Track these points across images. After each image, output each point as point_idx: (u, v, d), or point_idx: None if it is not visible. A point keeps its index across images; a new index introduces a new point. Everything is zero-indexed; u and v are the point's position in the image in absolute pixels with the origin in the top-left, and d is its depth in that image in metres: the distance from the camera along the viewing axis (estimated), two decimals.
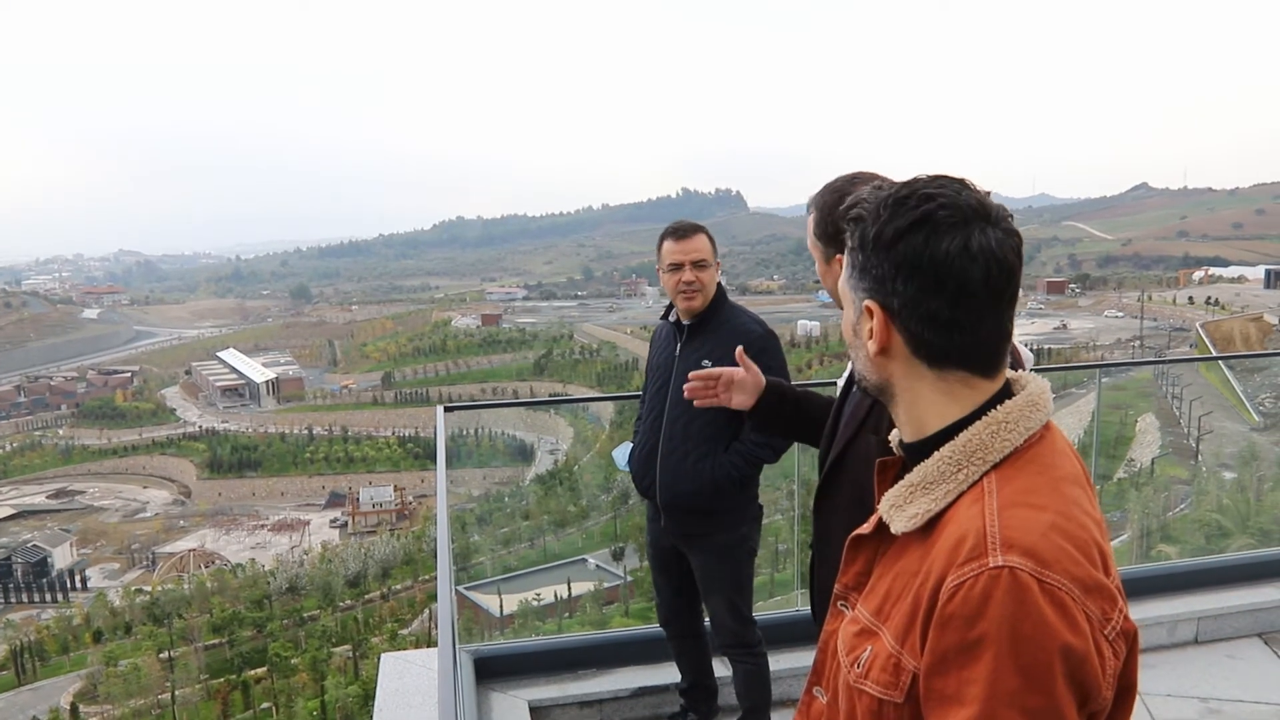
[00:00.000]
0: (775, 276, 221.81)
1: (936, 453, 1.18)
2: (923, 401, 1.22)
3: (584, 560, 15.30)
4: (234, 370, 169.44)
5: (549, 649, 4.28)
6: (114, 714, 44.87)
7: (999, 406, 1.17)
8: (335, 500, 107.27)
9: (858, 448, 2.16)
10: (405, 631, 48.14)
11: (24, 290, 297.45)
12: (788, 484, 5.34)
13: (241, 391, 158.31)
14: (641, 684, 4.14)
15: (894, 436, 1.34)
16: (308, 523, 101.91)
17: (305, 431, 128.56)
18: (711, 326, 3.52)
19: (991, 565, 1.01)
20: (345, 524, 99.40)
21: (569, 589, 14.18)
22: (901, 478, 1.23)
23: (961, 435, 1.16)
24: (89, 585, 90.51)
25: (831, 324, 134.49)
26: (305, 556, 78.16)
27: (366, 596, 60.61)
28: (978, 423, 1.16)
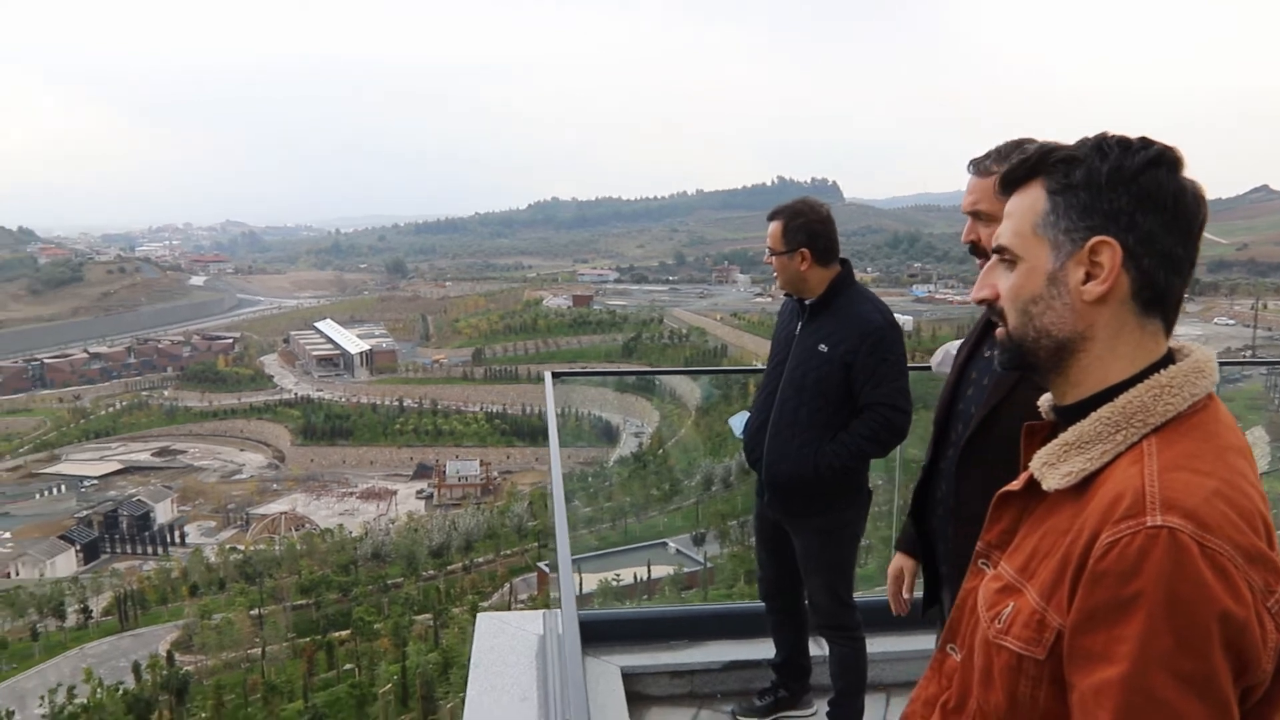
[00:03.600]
0: (869, 269, 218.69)
1: (1094, 413, 1.16)
2: (1108, 356, 1.18)
3: (664, 544, 15.27)
4: (330, 340, 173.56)
5: (643, 618, 4.26)
6: (207, 664, 46.49)
7: (1163, 370, 1.16)
8: (422, 472, 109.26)
9: (1013, 406, 2.14)
10: (485, 604, 48.80)
11: (137, 256, 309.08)
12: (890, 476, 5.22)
13: (336, 361, 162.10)
14: (733, 657, 4.09)
15: (1044, 401, 1.33)
16: (395, 492, 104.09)
17: (396, 403, 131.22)
18: (832, 310, 3.42)
19: (1149, 525, 0.99)
20: (431, 495, 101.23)
21: (648, 571, 14.15)
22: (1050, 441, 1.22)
23: (1122, 397, 1.14)
24: (187, 541, 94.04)
25: (925, 319, 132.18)
26: (391, 525, 79.91)
27: (449, 567, 61.67)
28: (1140, 385, 1.14)
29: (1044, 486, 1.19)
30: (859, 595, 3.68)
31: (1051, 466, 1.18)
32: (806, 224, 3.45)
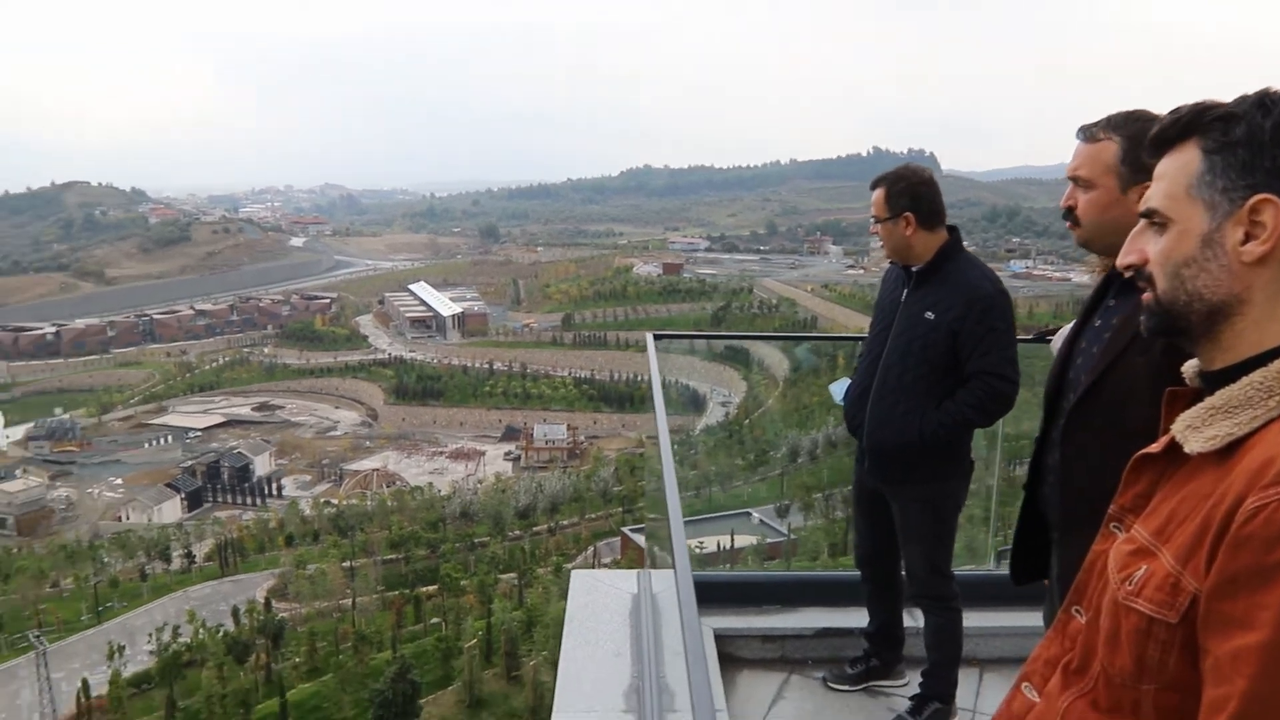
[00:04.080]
0: (966, 243, 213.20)
1: (1245, 378, 1.12)
2: (1265, 320, 1.14)
3: (748, 514, 15.23)
4: (423, 303, 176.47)
5: (736, 582, 4.27)
6: (301, 612, 48.08)
7: None
8: (510, 434, 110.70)
9: (1122, 373, 2.14)
10: (569, 566, 49.47)
11: (240, 217, 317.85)
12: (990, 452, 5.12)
13: (429, 323, 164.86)
14: (825, 625, 4.08)
15: (1190, 367, 1.29)
16: (483, 453, 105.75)
17: (486, 366, 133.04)
18: (940, 277, 3.35)
19: None
20: (519, 457, 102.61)
21: (731, 540, 14.15)
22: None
23: (1276, 362, 1.11)
24: (284, 493, 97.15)
25: (1022, 295, 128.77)
26: (479, 485, 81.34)
27: (534, 529, 62.62)
28: None
29: (1186, 450, 1.15)
30: (955, 569, 3.63)
31: (1196, 430, 1.14)
32: (909, 188, 3.38)
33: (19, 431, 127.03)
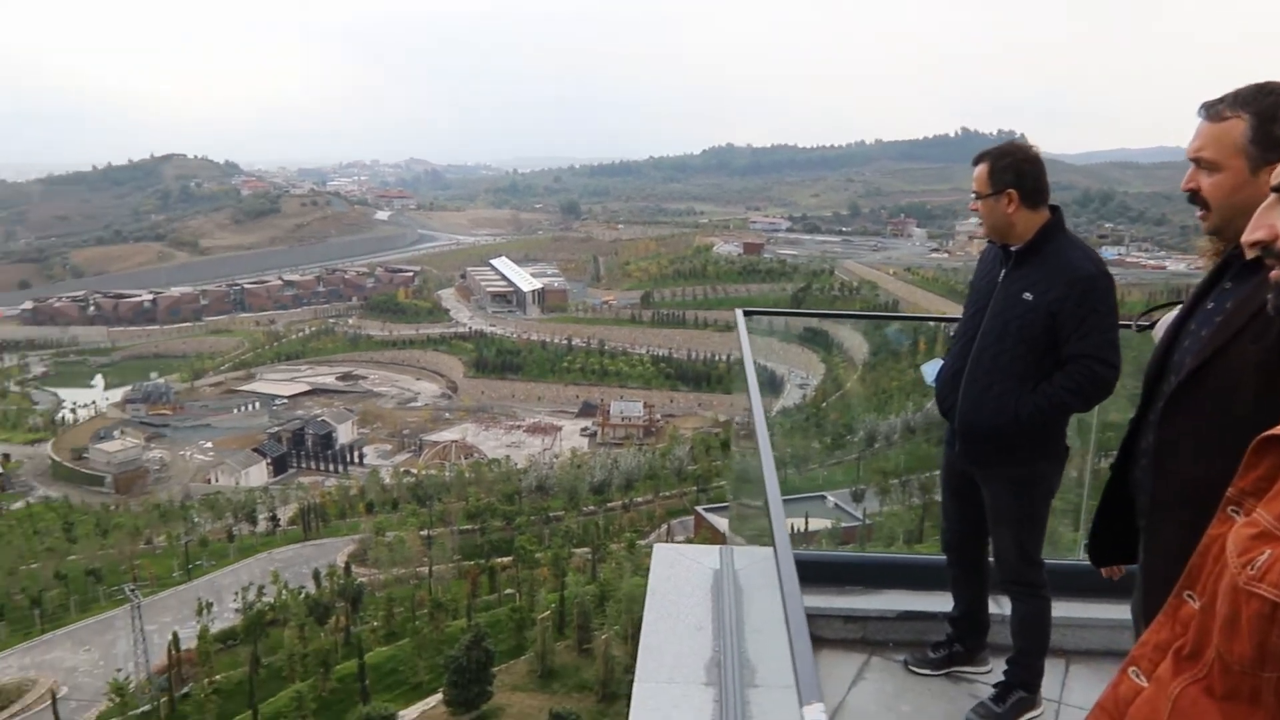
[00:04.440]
0: None
1: None
2: None
3: (823, 497, 15.10)
4: (504, 278, 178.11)
5: (818, 561, 4.24)
6: (379, 578, 49.18)
7: None
8: (587, 410, 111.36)
9: (1230, 358, 2.06)
10: (643, 542, 49.70)
11: (328, 191, 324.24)
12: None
13: (509, 298, 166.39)
14: (908, 607, 4.04)
15: None
16: (560, 428, 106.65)
17: (565, 341, 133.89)
18: (1040, 258, 3.26)
19: None
20: (595, 433, 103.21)
21: (805, 523, 14.05)
22: None
23: None
24: (365, 461, 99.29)
25: (1115, 283, 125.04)
26: (555, 460, 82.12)
27: (608, 504, 62.99)
28: None
29: None
30: (1044, 558, 3.57)
31: None
32: (1014, 164, 3.29)
33: (118, 394, 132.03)
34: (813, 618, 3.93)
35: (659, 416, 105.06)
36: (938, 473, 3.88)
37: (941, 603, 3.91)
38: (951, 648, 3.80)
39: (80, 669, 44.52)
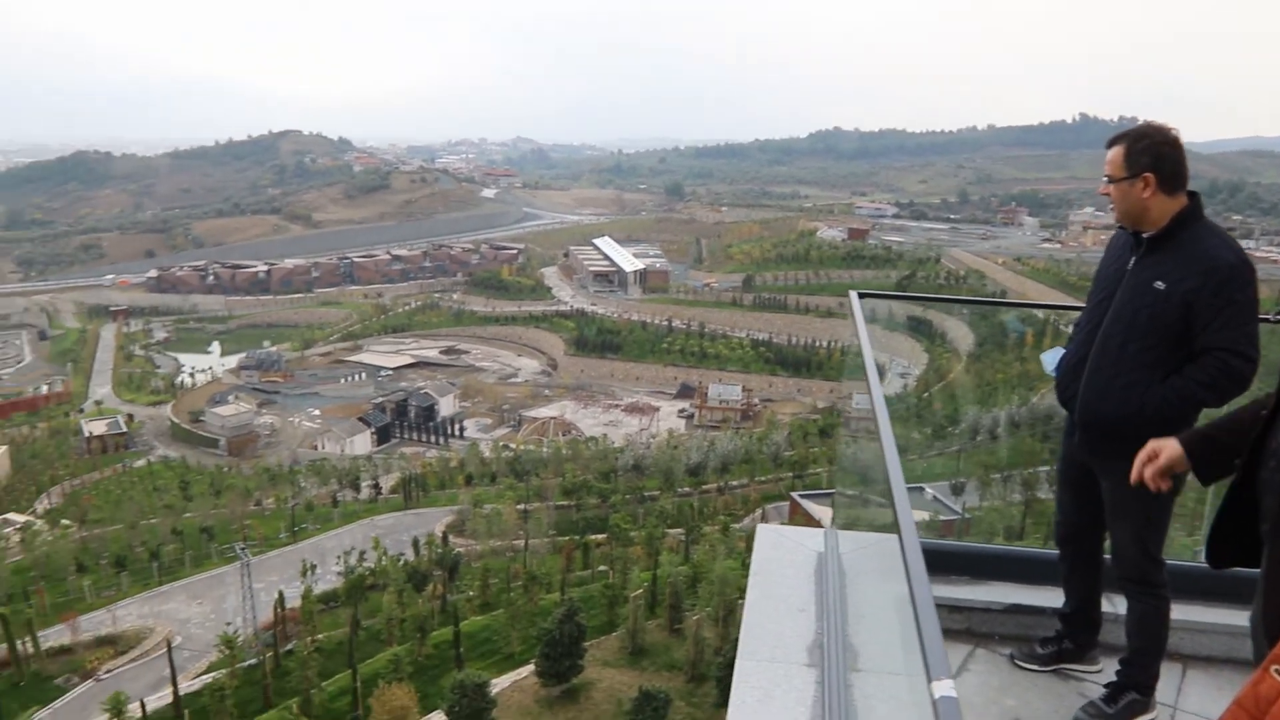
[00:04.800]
0: None
1: None
2: None
3: (921, 489, 14.85)
4: (607, 257, 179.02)
5: (925, 549, 4.16)
6: (476, 549, 50.14)
7: None
8: (685, 391, 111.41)
9: None
10: (737, 526, 49.59)
11: (436, 168, 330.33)
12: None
13: (611, 278, 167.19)
14: (1016, 601, 3.93)
15: None
16: (658, 409, 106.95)
17: (665, 323, 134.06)
18: (1174, 245, 3.12)
19: None
20: (692, 415, 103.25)
21: None
22: None
23: None
24: (465, 434, 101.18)
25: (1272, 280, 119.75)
26: (652, 440, 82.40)
27: (703, 487, 62.96)
28: None
29: None
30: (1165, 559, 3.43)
31: None
32: (1152, 146, 3.14)
33: (233, 361, 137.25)
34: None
35: (757, 401, 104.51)
36: (1042, 469, 3.78)
37: (1051, 598, 3.80)
38: (1061, 644, 3.70)
39: (193, 621, 46.61)
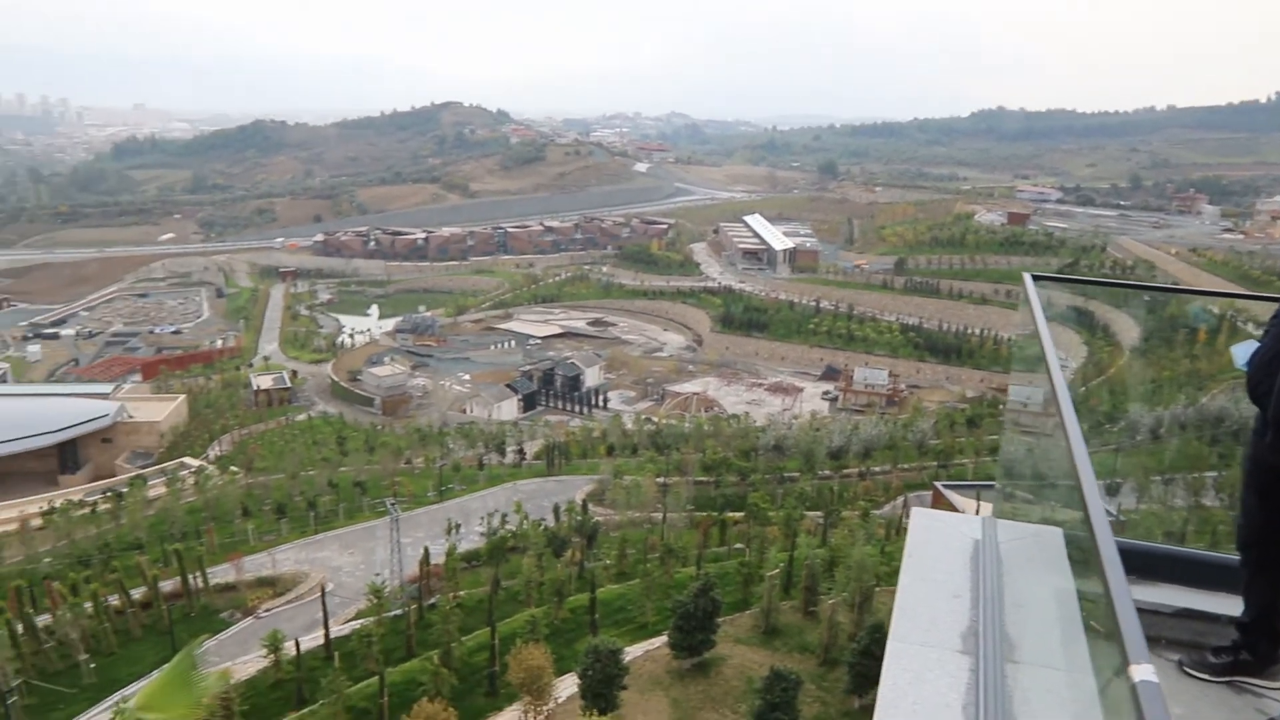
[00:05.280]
0: None
1: None
2: None
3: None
4: (756, 235, 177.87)
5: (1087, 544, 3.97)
6: (614, 518, 50.85)
7: None
8: (830, 374, 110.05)
9: None
10: (877, 512, 48.77)
11: (591, 141, 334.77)
12: None
13: (760, 256, 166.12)
14: (1186, 605, 3.70)
15: None
16: (801, 390, 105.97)
17: (813, 303, 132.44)
18: None
19: None
20: (836, 398, 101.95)
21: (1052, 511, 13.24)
22: None
23: None
24: (609, 406, 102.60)
25: None
26: (794, 420, 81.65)
27: (844, 471, 62.09)
28: None
29: None
30: None
31: None
32: None
33: (390, 324, 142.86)
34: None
35: (904, 386, 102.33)
36: (1209, 474, 3.52)
37: (1227, 605, 3.57)
38: (1237, 655, 3.46)
39: (344, 569, 48.96)
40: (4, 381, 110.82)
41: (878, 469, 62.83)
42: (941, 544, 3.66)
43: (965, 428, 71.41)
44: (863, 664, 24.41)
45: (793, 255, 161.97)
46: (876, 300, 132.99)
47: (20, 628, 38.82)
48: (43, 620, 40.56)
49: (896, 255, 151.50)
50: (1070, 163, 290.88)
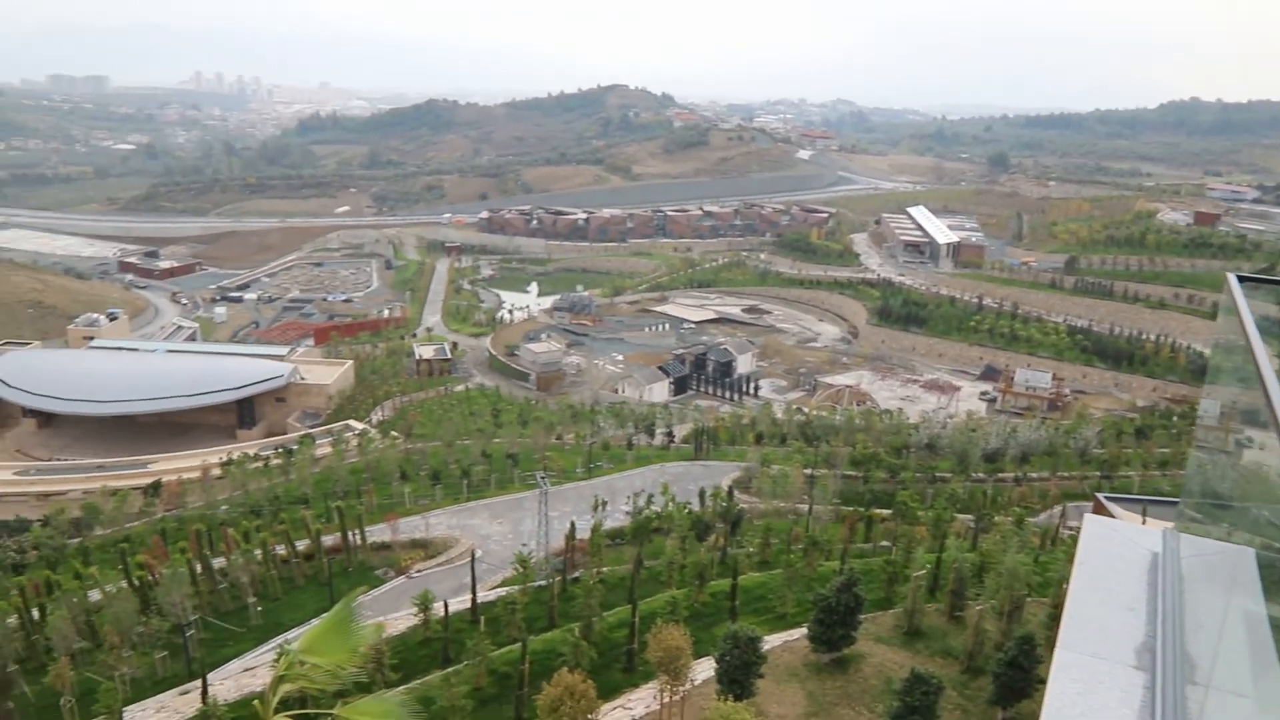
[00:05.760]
0: None
1: None
2: None
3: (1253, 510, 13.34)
4: (919, 227, 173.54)
5: None
6: (759, 506, 50.61)
7: None
8: (989, 374, 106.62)
9: None
10: (1033, 520, 46.94)
11: (754, 127, 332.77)
12: None
13: (922, 249, 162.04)
14: None
15: None
16: (958, 389, 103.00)
17: (975, 300, 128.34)
18: None
19: None
20: (995, 399, 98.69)
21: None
22: None
23: None
24: (759, 394, 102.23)
25: None
26: (949, 420, 79.40)
27: (999, 474, 60.03)
28: None
29: None
30: None
31: None
32: None
33: (548, 301, 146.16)
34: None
35: (1068, 391, 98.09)
36: None
37: None
38: None
39: (492, 537, 50.47)
40: (194, 339, 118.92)
41: (1035, 475, 60.50)
42: (1116, 554, 3.48)
43: (1133, 438, 67.91)
44: (1009, 675, 23.52)
45: (956, 249, 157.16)
46: (1043, 300, 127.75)
47: (199, 568, 41.75)
48: (218, 563, 43.51)
49: (1068, 253, 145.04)
50: (1272, 159, 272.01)
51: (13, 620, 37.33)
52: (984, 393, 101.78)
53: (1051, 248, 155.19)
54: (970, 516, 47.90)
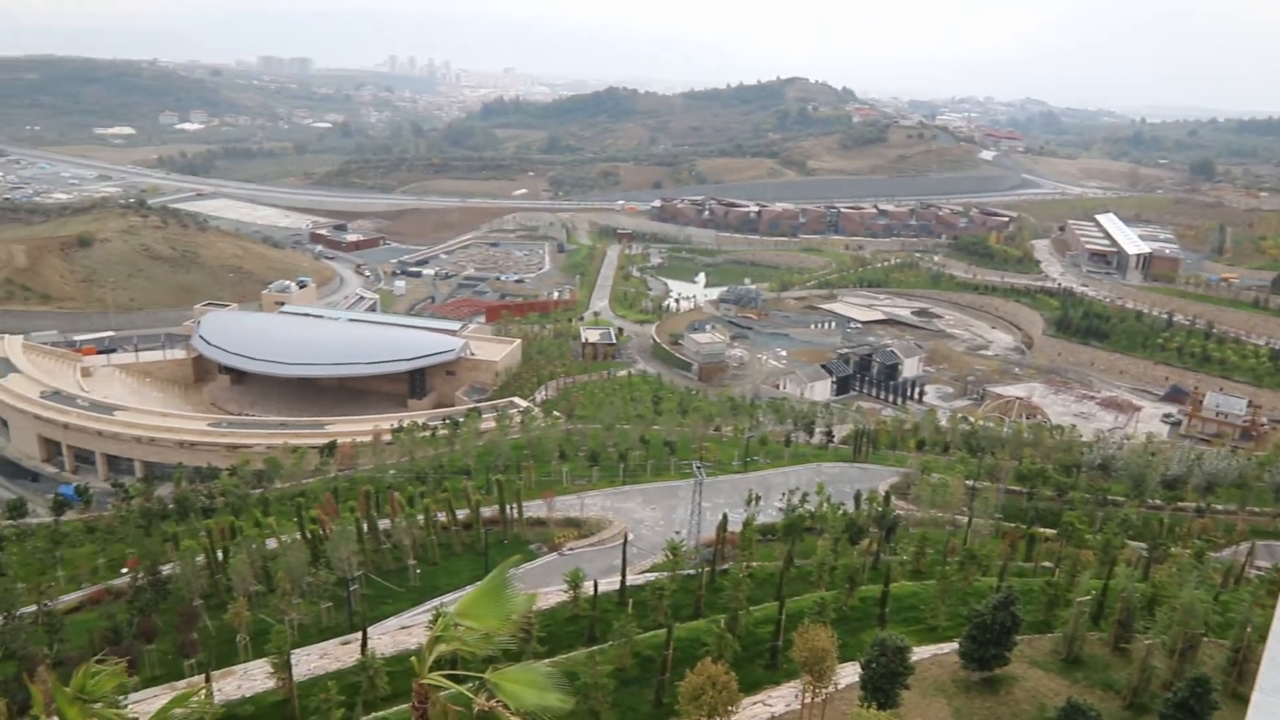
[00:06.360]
0: None
1: None
2: None
3: None
4: (1107, 236, 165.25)
5: None
6: (916, 514, 49.48)
7: None
8: (1175, 395, 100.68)
9: None
10: (1215, 555, 44.05)
11: (935, 125, 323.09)
12: None
13: (1109, 259, 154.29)
14: None
15: None
16: (1139, 409, 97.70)
17: (1164, 316, 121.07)
18: None
19: None
20: (1180, 423, 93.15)
21: None
22: None
23: None
24: (924, 399, 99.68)
25: None
26: (1126, 440, 75.46)
27: (1179, 503, 56.57)
28: None
29: None
30: None
31: None
32: None
33: (714, 292, 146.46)
34: None
35: (1264, 420, 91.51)
36: None
37: None
38: None
39: (645, 523, 51.11)
40: (374, 310, 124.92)
41: (1220, 507, 56.80)
42: None
43: None
44: (1178, 718, 22.26)
45: (1147, 261, 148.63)
46: (1243, 320, 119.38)
47: (365, 527, 44.07)
48: (383, 524, 45.79)
49: (1276, 271, 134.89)
50: None
51: (200, 559, 40.68)
52: (1167, 415, 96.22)
53: (1257, 264, 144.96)
54: (1143, 545, 45.50)
